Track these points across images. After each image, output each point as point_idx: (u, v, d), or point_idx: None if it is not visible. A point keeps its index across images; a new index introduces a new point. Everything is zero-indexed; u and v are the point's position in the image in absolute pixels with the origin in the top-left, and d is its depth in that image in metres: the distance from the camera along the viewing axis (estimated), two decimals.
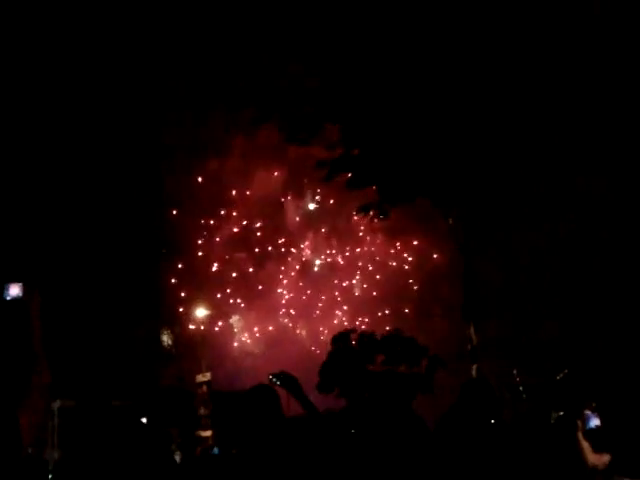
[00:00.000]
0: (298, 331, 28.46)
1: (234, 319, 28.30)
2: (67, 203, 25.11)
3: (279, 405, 5.84)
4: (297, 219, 28.21)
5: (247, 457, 5.99)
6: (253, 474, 5.88)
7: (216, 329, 28.20)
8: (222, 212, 27.95)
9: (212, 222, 28.13)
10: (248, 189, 27.81)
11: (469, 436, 6.66)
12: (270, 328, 28.24)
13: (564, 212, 23.87)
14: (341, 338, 22.81)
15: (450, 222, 23.77)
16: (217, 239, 28.05)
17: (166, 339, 28.10)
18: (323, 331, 27.30)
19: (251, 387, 6.07)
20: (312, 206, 28.24)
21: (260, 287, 28.20)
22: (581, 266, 23.74)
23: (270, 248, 28.32)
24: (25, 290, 20.99)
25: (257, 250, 28.30)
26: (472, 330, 22.06)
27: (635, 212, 21.76)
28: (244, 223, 28.11)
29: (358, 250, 28.68)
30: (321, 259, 28.58)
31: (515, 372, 21.97)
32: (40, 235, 24.36)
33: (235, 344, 28.27)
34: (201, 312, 27.00)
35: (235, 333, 28.45)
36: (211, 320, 27.47)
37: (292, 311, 28.35)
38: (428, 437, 6.54)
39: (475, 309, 22.53)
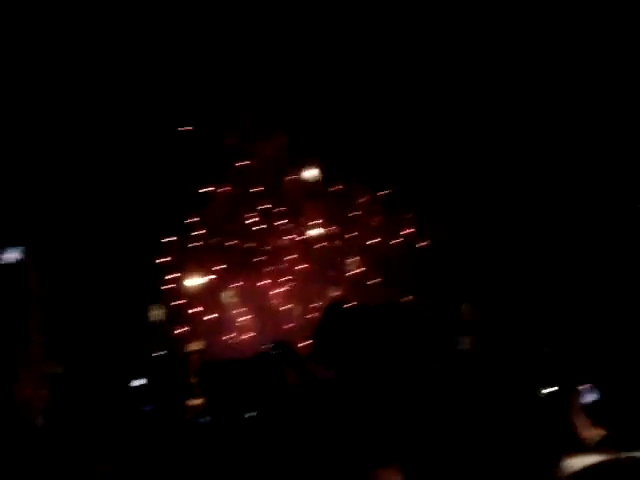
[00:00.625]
0: (293, 306, 28.55)
1: (227, 294, 28.35)
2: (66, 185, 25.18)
3: (282, 373, 5.89)
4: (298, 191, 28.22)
5: (245, 424, 6.06)
6: (245, 441, 5.93)
7: (209, 300, 28.25)
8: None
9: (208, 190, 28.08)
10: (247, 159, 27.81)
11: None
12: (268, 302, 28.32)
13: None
14: (334, 307, 22.84)
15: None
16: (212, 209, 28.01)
17: (157, 311, 28.15)
18: (317, 307, 27.41)
19: (253, 355, 6.14)
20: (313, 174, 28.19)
21: (257, 260, 28.22)
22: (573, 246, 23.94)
23: (268, 223, 28.33)
24: (27, 255, 21.01)
25: (255, 221, 28.25)
26: (465, 305, 22.17)
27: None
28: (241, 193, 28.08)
29: (355, 232, 28.75)
30: (320, 235, 28.60)
31: (503, 345, 22.06)
32: (39, 205, 24.41)
33: (229, 316, 28.36)
34: (192, 281, 27.03)
35: (229, 306, 28.53)
36: (204, 291, 27.51)
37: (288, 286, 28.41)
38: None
39: (470, 282, 22.70)
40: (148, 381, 22.07)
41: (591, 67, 20.91)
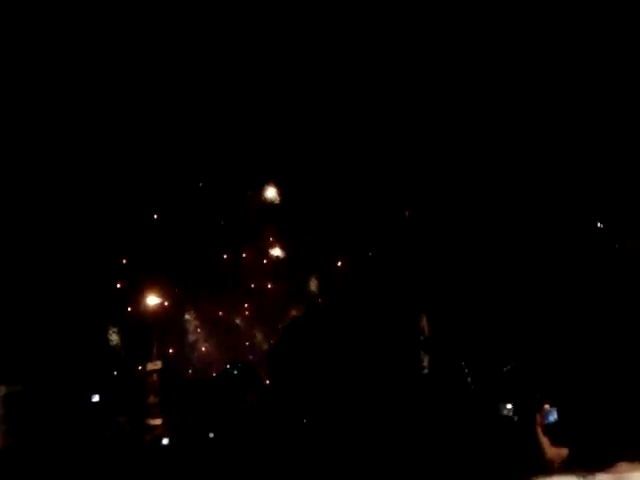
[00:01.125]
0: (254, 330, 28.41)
1: (188, 317, 28.14)
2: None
3: (243, 393, 5.86)
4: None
5: (205, 444, 6.00)
6: (208, 462, 5.87)
7: (168, 320, 28.04)
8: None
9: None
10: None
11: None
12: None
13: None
14: (292, 327, 22.78)
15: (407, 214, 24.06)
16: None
17: (114, 333, 27.83)
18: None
19: (217, 374, 6.11)
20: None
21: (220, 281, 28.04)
22: (533, 259, 24.10)
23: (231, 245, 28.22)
24: None
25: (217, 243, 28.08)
26: (424, 321, 22.26)
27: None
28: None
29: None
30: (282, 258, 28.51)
31: (463, 364, 22.16)
32: None
33: (189, 336, 28.15)
34: (152, 300, 26.82)
35: (189, 325, 28.32)
36: (165, 310, 27.32)
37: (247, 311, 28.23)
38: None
39: (428, 299, 22.76)
40: (106, 400, 21.84)
41: (591, 67, 21.07)
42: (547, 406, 6.61)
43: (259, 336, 27.99)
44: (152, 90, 25.15)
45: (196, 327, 28.49)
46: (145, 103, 25.31)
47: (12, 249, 24.36)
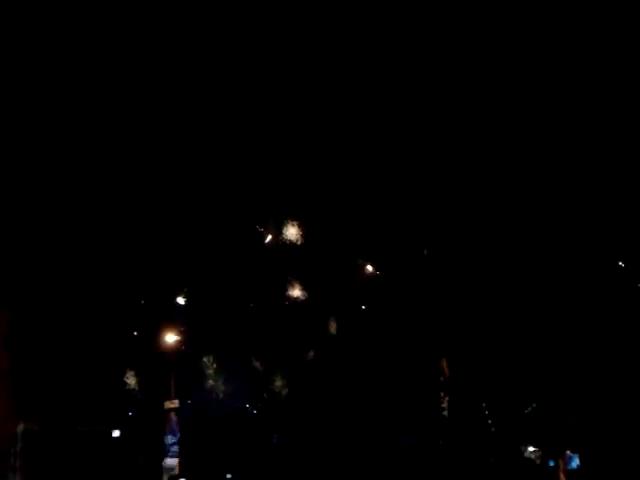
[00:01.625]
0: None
1: (206, 357, 27.90)
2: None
3: (264, 433, 5.83)
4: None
5: None
6: None
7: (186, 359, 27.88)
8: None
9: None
10: None
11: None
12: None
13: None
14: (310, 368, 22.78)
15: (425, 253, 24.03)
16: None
17: (132, 372, 27.72)
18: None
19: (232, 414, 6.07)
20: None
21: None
22: (553, 301, 23.95)
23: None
24: None
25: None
26: (445, 363, 22.11)
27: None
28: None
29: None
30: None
31: (484, 405, 22.00)
32: (12, 255, 24.15)
33: (208, 375, 27.93)
34: (171, 338, 26.74)
35: (208, 364, 28.12)
36: (184, 348, 27.22)
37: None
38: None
39: (448, 341, 22.64)
40: (124, 439, 21.79)
41: (591, 69, 21.00)
42: (569, 452, 6.53)
43: (278, 379, 27.82)
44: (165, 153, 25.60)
45: (215, 366, 28.36)
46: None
47: (35, 290, 24.53)
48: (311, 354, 27.23)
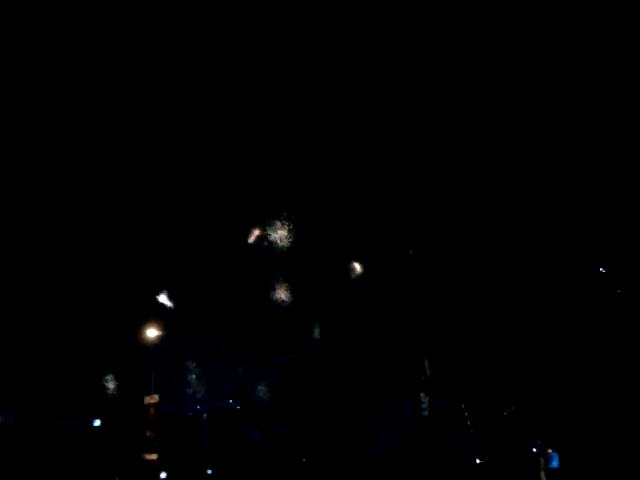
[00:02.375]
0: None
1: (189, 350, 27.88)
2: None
3: (246, 429, 5.83)
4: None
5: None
6: None
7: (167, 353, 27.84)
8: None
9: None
10: None
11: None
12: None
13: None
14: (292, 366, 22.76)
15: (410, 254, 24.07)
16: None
17: (111, 364, 27.61)
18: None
19: (216, 411, 6.07)
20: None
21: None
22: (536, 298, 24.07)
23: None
24: None
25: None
26: (426, 362, 22.17)
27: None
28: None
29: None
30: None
31: (463, 407, 22.05)
32: None
33: (190, 369, 27.88)
34: (152, 332, 26.65)
35: (190, 358, 28.08)
36: (163, 342, 27.14)
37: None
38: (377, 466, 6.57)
39: (429, 341, 22.71)
40: (103, 433, 21.68)
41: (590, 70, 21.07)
42: (550, 450, 6.59)
43: (260, 372, 27.80)
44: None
45: (198, 360, 28.28)
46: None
47: (14, 285, 24.43)
48: (294, 353, 27.30)
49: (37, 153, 24.64)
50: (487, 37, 21.62)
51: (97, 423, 20.67)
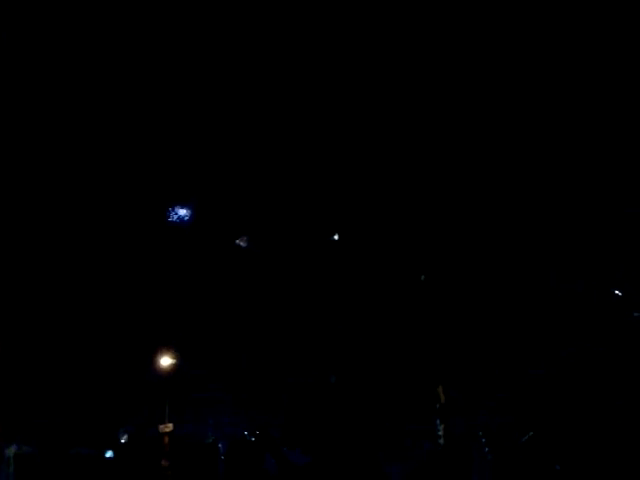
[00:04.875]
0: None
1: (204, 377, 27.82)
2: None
3: (261, 459, 5.79)
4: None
5: None
6: None
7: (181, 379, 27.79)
8: None
9: None
10: None
11: None
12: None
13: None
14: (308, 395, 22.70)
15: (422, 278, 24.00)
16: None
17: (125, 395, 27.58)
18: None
19: (232, 442, 6.04)
20: None
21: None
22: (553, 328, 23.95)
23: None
24: None
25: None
26: (440, 389, 22.03)
27: None
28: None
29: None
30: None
31: (481, 434, 21.93)
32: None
33: (204, 398, 27.85)
34: (166, 361, 26.66)
35: (204, 387, 28.03)
36: (177, 369, 27.14)
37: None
38: None
39: (444, 367, 22.58)
40: (117, 463, 21.60)
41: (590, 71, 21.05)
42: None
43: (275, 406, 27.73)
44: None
45: (212, 389, 28.24)
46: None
47: (25, 315, 24.47)
48: (309, 381, 27.20)
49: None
50: (487, 37, 21.65)
51: (109, 454, 20.56)
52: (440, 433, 21.28)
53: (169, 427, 23.73)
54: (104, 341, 26.17)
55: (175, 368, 27.18)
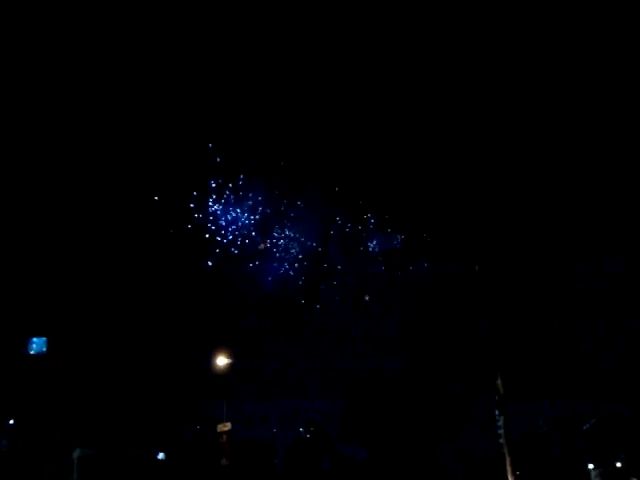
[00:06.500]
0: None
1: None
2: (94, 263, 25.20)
3: (317, 457, 5.72)
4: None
5: None
6: None
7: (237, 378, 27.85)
8: None
9: None
10: None
11: None
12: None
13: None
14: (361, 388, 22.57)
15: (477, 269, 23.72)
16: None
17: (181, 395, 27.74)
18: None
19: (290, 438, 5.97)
20: None
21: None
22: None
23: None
24: (50, 345, 21.03)
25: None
26: (499, 381, 21.71)
27: None
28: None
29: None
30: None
31: (541, 423, 21.58)
32: (67, 291, 24.38)
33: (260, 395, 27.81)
34: (222, 361, 26.68)
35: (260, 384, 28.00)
36: (233, 368, 27.18)
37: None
38: None
39: (502, 360, 22.29)
40: (177, 462, 21.69)
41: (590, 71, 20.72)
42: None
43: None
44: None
45: (267, 387, 28.24)
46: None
47: (91, 325, 24.72)
48: (363, 376, 27.04)
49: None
50: (488, 37, 21.37)
51: (161, 456, 20.76)
52: (500, 424, 21.01)
53: (227, 426, 23.74)
54: (161, 344, 26.34)
55: (231, 368, 27.25)
